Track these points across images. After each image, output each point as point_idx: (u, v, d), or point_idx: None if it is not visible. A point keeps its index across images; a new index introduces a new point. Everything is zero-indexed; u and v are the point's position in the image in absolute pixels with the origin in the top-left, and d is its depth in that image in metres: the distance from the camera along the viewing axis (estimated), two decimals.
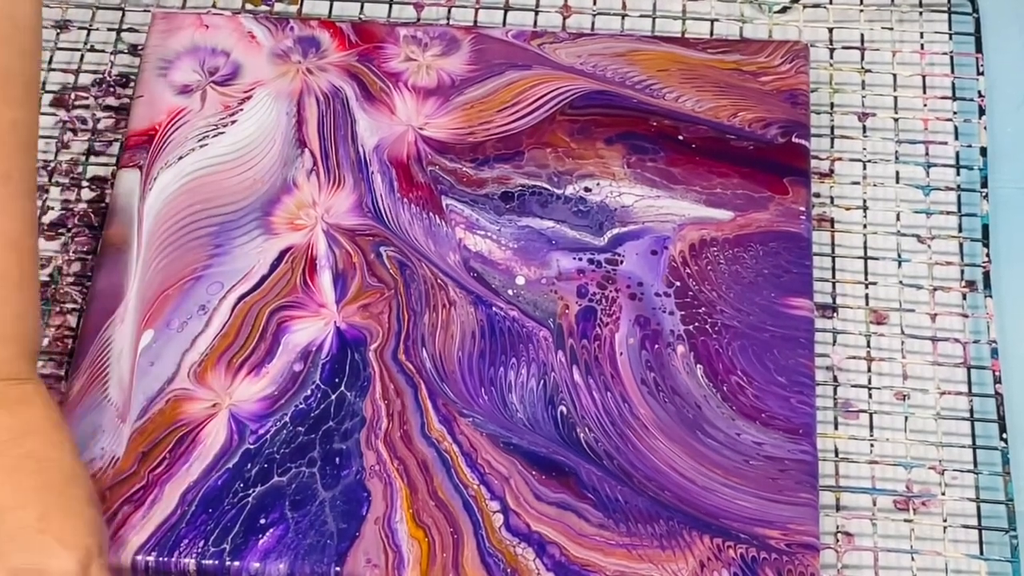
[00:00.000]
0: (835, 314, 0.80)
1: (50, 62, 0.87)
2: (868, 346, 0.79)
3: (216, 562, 0.70)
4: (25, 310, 0.67)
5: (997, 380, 0.78)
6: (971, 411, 0.78)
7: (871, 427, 0.77)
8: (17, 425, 0.66)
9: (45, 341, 0.79)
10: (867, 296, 0.80)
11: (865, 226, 0.82)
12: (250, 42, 0.84)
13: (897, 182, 0.83)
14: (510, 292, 0.77)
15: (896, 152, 0.84)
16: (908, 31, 0.88)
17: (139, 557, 0.70)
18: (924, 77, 0.87)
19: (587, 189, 0.80)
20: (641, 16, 0.88)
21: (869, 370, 0.78)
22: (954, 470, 0.76)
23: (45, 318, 0.80)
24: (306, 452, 0.73)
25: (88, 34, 0.88)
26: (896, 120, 0.85)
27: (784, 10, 0.89)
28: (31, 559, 0.63)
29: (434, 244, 0.79)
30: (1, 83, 0.67)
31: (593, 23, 0.88)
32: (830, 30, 0.88)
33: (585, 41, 0.85)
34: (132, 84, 0.86)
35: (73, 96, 0.86)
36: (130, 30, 0.88)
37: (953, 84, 0.86)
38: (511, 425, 0.74)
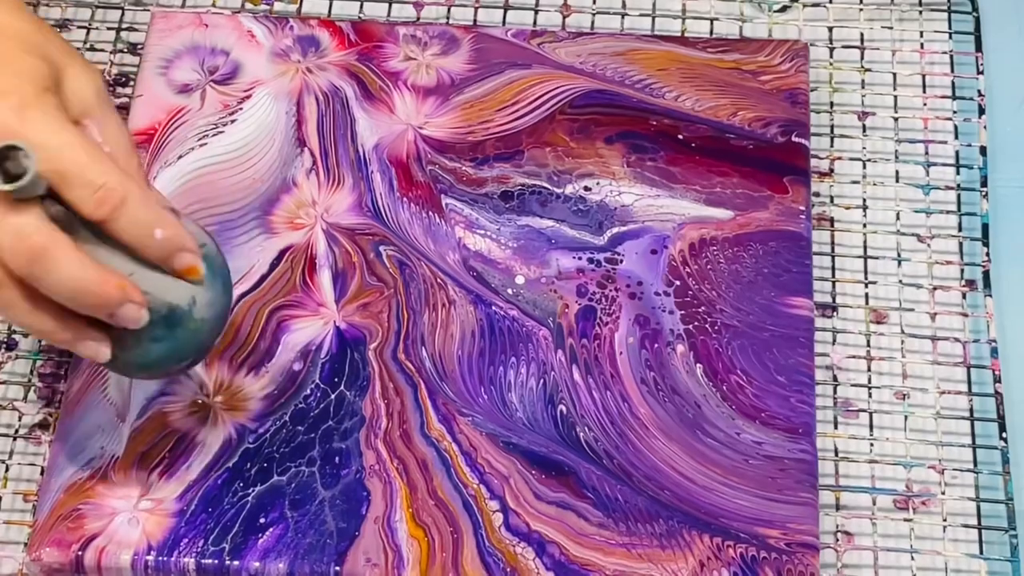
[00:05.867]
0: (835, 313, 0.80)
1: None
2: (868, 345, 0.79)
3: (216, 561, 0.70)
4: None
5: (997, 379, 0.78)
6: (971, 410, 0.78)
7: (871, 426, 0.77)
8: None
9: (44, 341, 0.79)
10: (867, 295, 0.80)
11: (865, 225, 0.82)
12: (250, 41, 0.84)
13: (897, 181, 0.83)
14: (510, 291, 0.77)
15: (896, 151, 0.84)
16: (908, 30, 0.88)
17: (139, 557, 0.70)
18: (924, 76, 0.87)
19: (587, 188, 0.80)
20: (641, 15, 0.88)
21: (869, 369, 0.78)
22: (954, 469, 0.76)
23: None
24: (306, 451, 0.73)
25: (88, 33, 0.88)
26: (896, 119, 0.85)
27: (784, 9, 0.89)
28: None
29: (434, 243, 0.79)
30: None
31: (593, 22, 0.88)
32: (830, 29, 0.88)
33: (585, 40, 0.85)
34: (132, 83, 0.86)
35: None
36: (130, 29, 0.88)
37: (953, 83, 0.86)
38: (511, 424, 0.74)
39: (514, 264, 0.78)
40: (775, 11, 0.89)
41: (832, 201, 0.83)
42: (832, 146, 0.84)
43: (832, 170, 0.84)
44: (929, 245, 0.82)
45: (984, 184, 0.83)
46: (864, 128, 0.85)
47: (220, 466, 0.72)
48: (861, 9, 0.88)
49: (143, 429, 0.73)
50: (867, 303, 0.80)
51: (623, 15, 0.88)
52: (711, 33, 0.88)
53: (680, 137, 0.82)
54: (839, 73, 0.86)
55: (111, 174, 0.61)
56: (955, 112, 0.85)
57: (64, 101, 0.63)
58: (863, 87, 0.86)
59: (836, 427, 0.77)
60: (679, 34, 0.87)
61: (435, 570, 0.70)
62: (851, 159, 0.84)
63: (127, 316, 0.62)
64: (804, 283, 0.78)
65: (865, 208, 0.83)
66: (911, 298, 0.80)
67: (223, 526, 0.71)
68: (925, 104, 0.86)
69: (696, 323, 0.76)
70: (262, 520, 0.71)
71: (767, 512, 0.72)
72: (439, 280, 0.77)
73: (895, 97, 0.86)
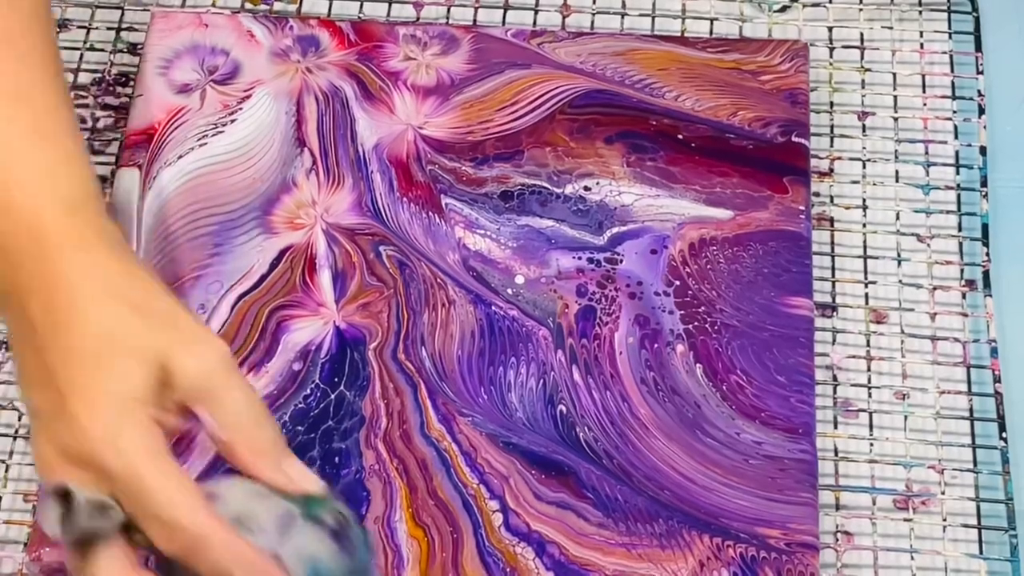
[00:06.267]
0: (835, 313, 0.80)
1: None
2: (868, 345, 0.79)
3: None
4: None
5: (997, 379, 0.78)
6: (971, 410, 0.77)
7: (871, 426, 0.77)
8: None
9: None
10: (867, 295, 0.80)
11: (865, 225, 0.82)
12: (249, 41, 0.84)
13: (897, 181, 0.83)
14: (509, 291, 0.77)
15: (896, 151, 0.84)
16: (908, 30, 0.88)
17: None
18: (924, 76, 0.86)
19: (587, 188, 0.80)
20: (640, 15, 0.88)
21: (869, 369, 0.78)
22: (954, 469, 0.76)
23: None
24: (305, 451, 0.73)
25: (87, 33, 0.88)
26: (896, 119, 0.85)
27: (784, 9, 0.89)
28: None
29: (433, 243, 0.79)
30: None
31: (592, 22, 0.88)
32: (830, 29, 0.88)
33: (585, 40, 0.85)
34: (131, 83, 0.86)
35: (72, 95, 0.86)
36: (129, 29, 0.88)
37: (953, 83, 0.86)
38: (510, 424, 0.74)
39: (514, 264, 0.78)
40: (775, 11, 0.89)
41: (832, 201, 0.83)
42: (832, 146, 0.84)
43: (832, 170, 0.84)
44: (929, 245, 0.82)
45: (984, 184, 0.83)
46: (864, 128, 0.85)
47: (220, 466, 0.72)
48: (861, 9, 0.88)
49: None
50: (867, 303, 0.80)
51: (623, 15, 0.88)
52: (711, 33, 0.88)
53: (680, 137, 0.82)
54: (839, 73, 0.86)
55: (184, 511, 0.58)
56: (955, 112, 0.85)
57: (171, 391, 0.60)
58: (863, 87, 0.86)
59: (836, 427, 0.77)
60: (679, 34, 0.87)
61: (435, 570, 0.70)
62: (851, 159, 0.84)
63: None
64: (804, 283, 0.77)
65: (865, 208, 0.83)
66: (911, 298, 0.80)
67: None
68: (925, 104, 0.86)
69: (696, 323, 0.76)
70: None
71: (767, 512, 0.72)
72: (439, 280, 0.77)
73: (895, 97, 0.86)
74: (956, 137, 0.85)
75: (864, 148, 0.84)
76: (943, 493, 0.75)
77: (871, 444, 0.76)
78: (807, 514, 0.72)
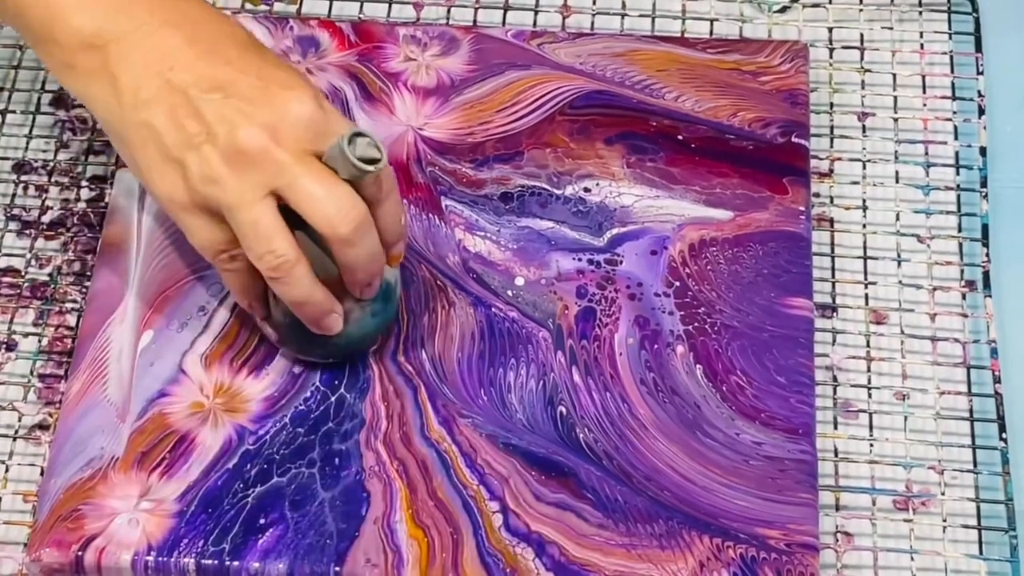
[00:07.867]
0: (835, 314, 0.80)
1: None
2: (868, 346, 0.79)
3: (216, 562, 0.70)
4: None
5: (997, 380, 0.78)
6: (971, 411, 0.78)
7: (871, 427, 0.77)
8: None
9: (44, 341, 0.79)
10: (867, 296, 0.80)
11: (865, 226, 0.82)
12: None
13: (897, 182, 0.83)
14: (509, 293, 0.77)
15: (896, 152, 0.84)
16: (908, 31, 0.88)
17: (139, 557, 0.70)
18: (924, 77, 0.87)
19: (586, 189, 0.80)
20: (641, 16, 0.88)
21: (869, 370, 0.78)
22: (954, 470, 0.76)
23: (45, 318, 0.80)
24: (306, 453, 0.73)
25: None
26: (896, 120, 0.85)
27: (784, 10, 0.89)
28: (275, 112, 0.67)
29: (433, 245, 0.79)
30: None
31: (593, 23, 0.88)
32: (830, 30, 0.88)
33: (585, 41, 0.85)
34: None
35: (73, 96, 0.86)
36: None
37: (953, 84, 0.86)
38: (511, 425, 0.74)
39: (514, 266, 0.78)
40: (775, 12, 0.89)
41: (832, 202, 0.83)
42: (832, 147, 0.84)
43: (832, 171, 0.84)
44: (929, 246, 0.82)
45: (984, 185, 0.83)
46: (864, 129, 0.85)
47: (220, 467, 0.72)
48: (861, 10, 0.89)
49: (143, 430, 0.73)
50: (867, 304, 0.80)
51: (623, 16, 0.88)
52: (711, 34, 0.88)
53: (680, 138, 0.82)
54: (839, 74, 0.86)
55: (389, 167, 0.70)
56: (955, 113, 0.85)
57: None
58: (863, 88, 0.86)
59: (836, 427, 0.77)
60: (679, 35, 0.88)
61: (435, 571, 0.70)
62: (851, 160, 0.84)
63: (376, 285, 0.71)
64: (804, 284, 0.78)
65: (865, 209, 0.83)
66: (911, 299, 0.80)
67: (223, 527, 0.71)
68: (925, 105, 0.86)
69: (696, 324, 0.76)
70: (262, 521, 0.71)
71: (767, 512, 0.72)
72: (439, 282, 0.78)
73: (895, 98, 0.86)
74: (956, 138, 0.85)
75: (864, 149, 0.84)
76: (943, 494, 0.75)
77: (871, 445, 0.76)
78: (807, 515, 0.72)
